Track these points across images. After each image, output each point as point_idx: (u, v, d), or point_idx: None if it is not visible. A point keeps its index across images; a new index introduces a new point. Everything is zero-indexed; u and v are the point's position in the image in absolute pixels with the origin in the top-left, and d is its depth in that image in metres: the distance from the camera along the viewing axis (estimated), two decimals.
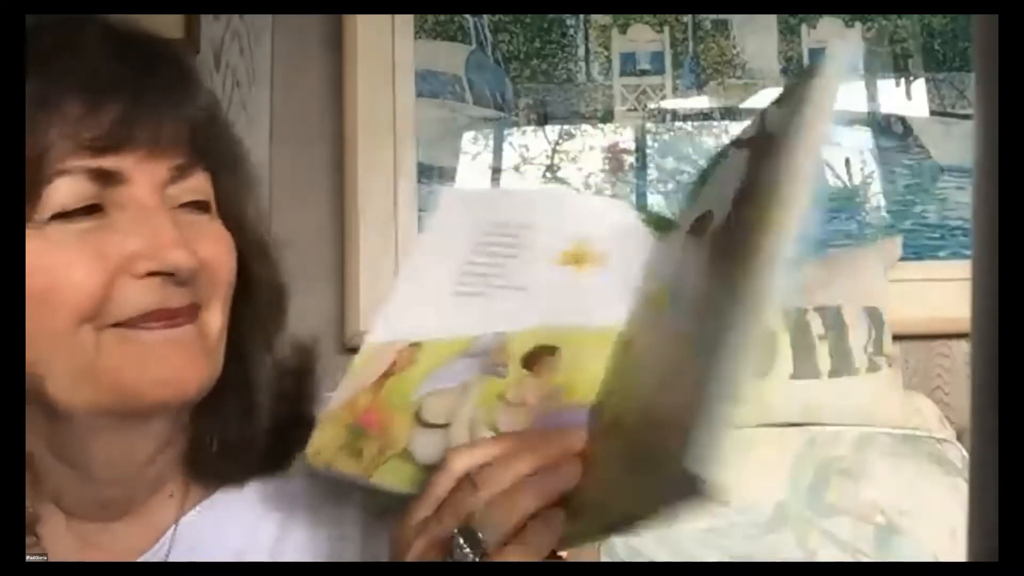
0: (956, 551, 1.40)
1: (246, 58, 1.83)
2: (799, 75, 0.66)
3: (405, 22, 1.82)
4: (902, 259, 1.72)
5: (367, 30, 1.80)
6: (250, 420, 0.77)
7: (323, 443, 0.73)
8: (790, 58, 1.85)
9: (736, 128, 1.84)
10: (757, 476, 1.50)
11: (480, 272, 0.75)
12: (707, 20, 1.85)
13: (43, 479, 0.76)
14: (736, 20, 1.85)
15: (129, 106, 0.71)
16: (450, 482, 0.64)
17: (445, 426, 0.70)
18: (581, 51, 1.85)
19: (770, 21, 1.85)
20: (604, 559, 0.73)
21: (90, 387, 0.70)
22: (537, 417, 0.68)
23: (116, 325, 0.71)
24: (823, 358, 1.58)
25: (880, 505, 1.48)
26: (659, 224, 0.74)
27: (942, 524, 1.45)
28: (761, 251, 0.55)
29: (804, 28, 1.85)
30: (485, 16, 1.84)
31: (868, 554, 1.46)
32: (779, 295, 0.56)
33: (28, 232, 0.69)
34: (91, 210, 0.70)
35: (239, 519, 0.80)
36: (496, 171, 1.84)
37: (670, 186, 1.84)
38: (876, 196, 1.84)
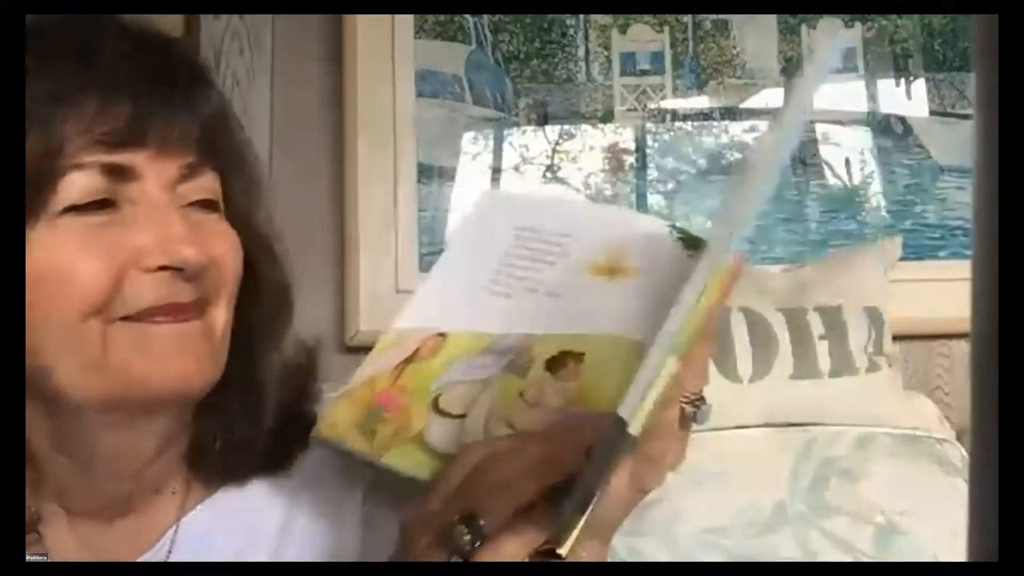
0: (956, 551, 1.40)
1: (246, 58, 1.83)
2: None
3: (405, 22, 1.81)
4: (902, 259, 1.72)
5: (367, 30, 1.80)
6: (254, 419, 0.78)
7: (338, 418, 0.74)
8: (790, 58, 1.85)
9: (736, 128, 1.84)
10: (757, 476, 1.50)
11: (515, 274, 0.76)
12: (707, 20, 1.85)
13: (46, 477, 0.76)
14: (736, 20, 1.85)
15: (143, 104, 0.72)
16: (462, 475, 0.64)
17: (461, 417, 0.71)
18: (581, 51, 1.85)
19: (770, 21, 1.85)
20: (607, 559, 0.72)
21: (97, 380, 0.71)
22: (554, 420, 0.69)
23: (124, 319, 0.71)
24: (823, 358, 1.58)
25: (880, 505, 1.48)
26: (693, 243, 0.75)
27: (942, 524, 1.45)
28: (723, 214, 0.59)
29: (804, 28, 1.85)
30: (485, 16, 1.84)
31: (868, 554, 1.45)
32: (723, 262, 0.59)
33: (40, 224, 0.70)
34: (103, 205, 0.71)
35: (241, 518, 0.80)
36: (496, 171, 1.84)
37: (670, 186, 1.84)
38: (876, 196, 1.84)
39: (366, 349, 0.78)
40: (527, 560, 0.63)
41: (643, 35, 1.85)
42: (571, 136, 1.84)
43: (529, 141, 1.85)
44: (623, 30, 1.85)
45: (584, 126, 1.84)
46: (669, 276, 0.73)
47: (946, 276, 1.70)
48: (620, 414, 0.55)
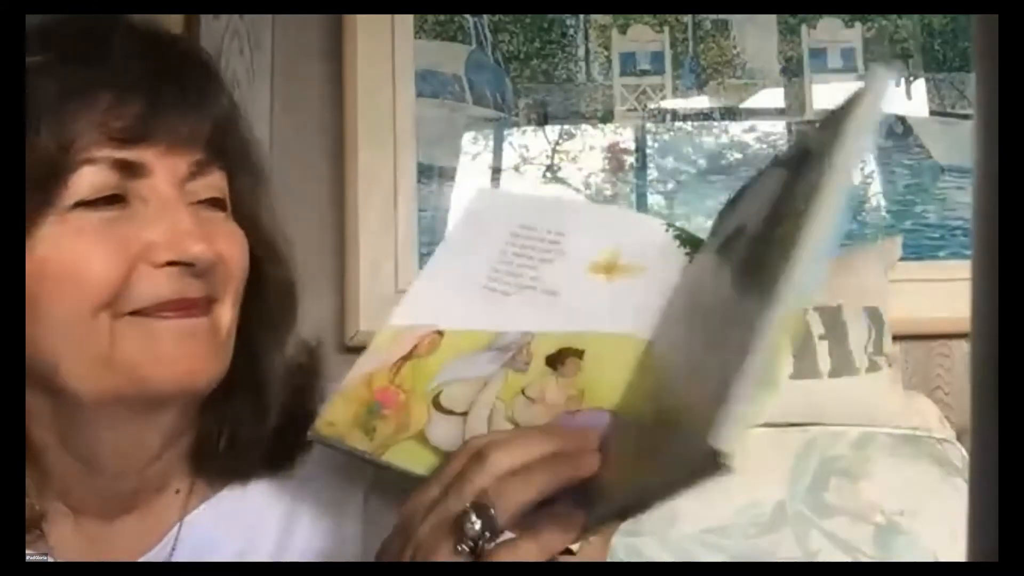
0: (956, 551, 1.40)
1: (246, 58, 1.83)
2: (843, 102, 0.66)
3: (405, 22, 1.81)
4: (902, 259, 1.72)
5: (367, 30, 1.80)
6: (257, 418, 0.78)
7: (336, 416, 0.74)
8: (790, 58, 1.85)
9: (736, 128, 1.84)
10: (757, 476, 1.50)
11: (511, 271, 0.77)
12: (707, 20, 1.85)
13: (50, 474, 0.76)
14: (736, 20, 1.85)
15: (154, 101, 0.73)
16: (464, 460, 0.64)
17: (463, 415, 0.71)
18: (581, 51, 1.85)
19: (770, 21, 1.85)
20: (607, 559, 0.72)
21: (103, 374, 0.71)
22: (556, 416, 0.69)
23: (132, 314, 0.71)
24: (823, 358, 1.58)
25: (880, 505, 1.48)
26: (690, 242, 0.76)
27: (942, 524, 1.45)
28: (789, 261, 0.55)
29: (804, 28, 1.85)
30: (485, 16, 1.84)
31: (868, 554, 1.45)
32: (805, 297, 0.56)
33: (51, 219, 0.71)
34: (112, 200, 0.72)
35: (243, 517, 0.80)
36: (496, 171, 1.84)
37: (670, 186, 1.84)
38: (876, 196, 1.84)
39: (366, 349, 0.78)
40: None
41: (643, 35, 1.85)
42: (571, 136, 1.84)
43: (529, 141, 1.85)
44: (623, 30, 1.85)
45: (584, 126, 1.84)
46: (667, 275, 0.74)
47: (946, 276, 1.70)
48: (715, 446, 0.52)
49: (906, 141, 1.84)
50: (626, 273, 0.75)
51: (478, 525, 0.61)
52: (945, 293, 1.62)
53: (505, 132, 1.84)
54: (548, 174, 1.84)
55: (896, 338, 1.65)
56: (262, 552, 0.79)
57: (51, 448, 0.75)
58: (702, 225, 1.82)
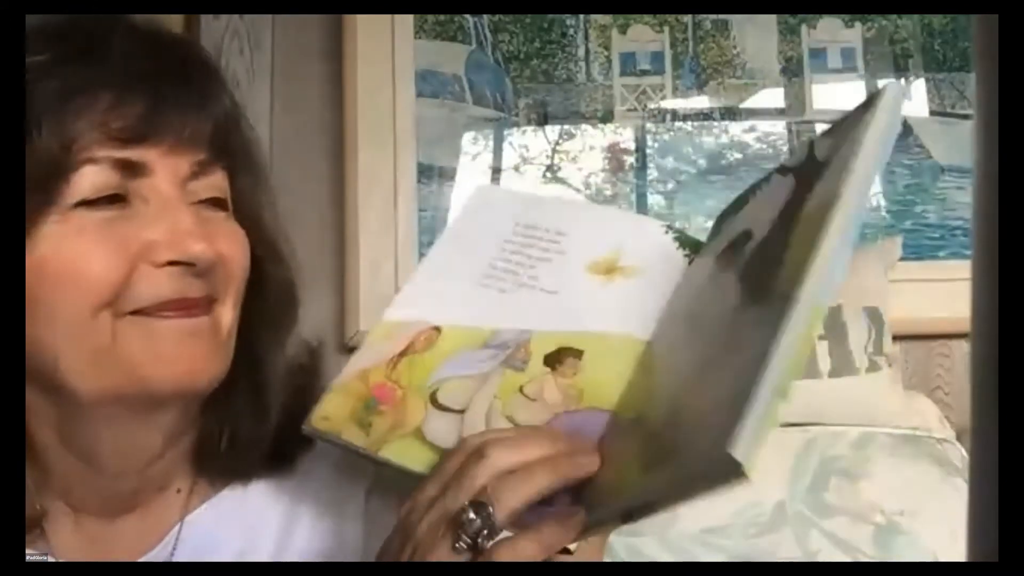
0: (956, 551, 1.40)
1: (246, 58, 1.83)
2: (853, 110, 0.65)
3: (405, 22, 1.82)
4: (902, 259, 1.72)
5: (367, 30, 1.80)
6: (259, 418, 0.78)
7: (331, 410, 0.73)
8: (790, 58, 1.85)
9: (736, 128, 1.85)
10: (757, 476, 1.49)
11: (510, 270, 0.76)
12: (707, 20, 1.85)
13: (52, 473, 0.76)
14: (736, 20, 1.85)
15: (156, 101, 0.73)
16: (463, 457, 0.64)
17: (461, 412, 0.70)
18: (581, 51, 1.85)
19: (770, 21, 1.85)
20: (604, 559, 0.72)
21: (103, 373, 0.71)
22: (554, 415, 0.69)
23: (134, 313, 0.71)
24: (823, 358, 1.58)
25: (880, 505, 1.48)
26: (690, 245, 0.76)
27: (942, 524, 1.45)
28: (807, 269, 0.55)
29: (804, 28, 1.85)
30: (485, 16, 1.84)
31: (868, 554, 1.45)
32: (823, 303, 0.55)
33: (52, 218, 0.71)
34: (114, 199, 0.72)
35: (244, 516, 0.80)
36: (496, 171, 1.84)
37: (670, 186, 1.84)
38: (876, 196, 1.84)
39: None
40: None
41: (643, 35, 1.85)
42: (571, 136, 1.84)
43: (529, 141, 1.85)
44: (623, 30, 1.85)
45: (584, 126, 1.84)
46: (666, 277, 0.74)
47: (946, 276, 1.70)
48: (733, 454, 0.51)
49: (906, 141, 1.84)
50: (625, 274, 0.75)
51: (477, 523, 0.61)
52: (945, 293, 1.63)
53: (505, 132, 1.84)
54: (548, 174, 1.84)
55: (896, 338, 1.65)
56: (263, 552, 0.79)
57: (52, 447, 0.75)
58: (702, 225, 1.82)
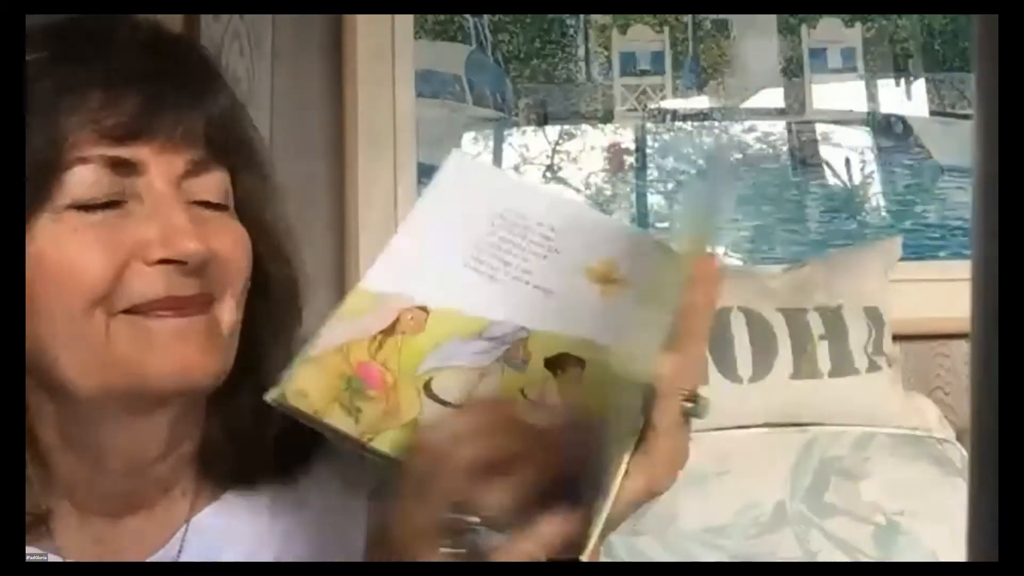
0: (956, 551, 1.40)
1: (246, 58, 1.83)
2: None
3: (405, 22, 1.81)
4: (902, 259, 1.72)
5: (367, 30, 1.80)
6: (262, 419, 0.78)
7: (308, 386, 0.68)
8: (790, 58, 1.85)
9: (736, 128, 1.84)
10: (757, 476, 1.50)
11: (500, 257, 0.73)
12: (707, 20, 1.85)
13: (56, 473, 0.76)
14: (736, 20, 1.85)
15: (149, 98, 0.72)
16: (430, 461, 0.63)
17: (458, 407, 0.68)
18: (581, 51, 1.85)
19: (770, 21, 1.85)
20: (604, 559, 0.72)
21: (99, 371, 0.71)
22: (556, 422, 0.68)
23: (128, 312, 0.71)
24: (823, 358, 1.58)
25: (880, 505, 1.48)
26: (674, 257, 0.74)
27: (942, 524, 1.45)
28: None
29: (804, 28, 1.85)
30: (485, 16, 1.84)
31: (868, 554, 1.46)
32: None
33: (44, 217, 0.71)
34: (108, 203, 0.72)
35: (249, 518, 0.80)
36: None
37: (670, 186, 1.84)
38: (876, 196, 1.84)
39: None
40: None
41: (643, 35, 1.86)
42: (571, 136, 1.84)
43: (529, 141, 1.85)
44: (623, 30, 1.85)
45: (584, 126, 1.84)
46: (656, 290, 0.73)
47: (946, 276, 1.70)
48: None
49: (906, 141, 1.84)
50: (621, 285, 0.73)
51: (468, 532, 0.61)
52: (945, 293, 1.62)
53: (505, 132, 1.85)
54: (548, 174, 1.84)
55: (896, 338, 1.65)
56: (267, 554, 0.79)
57: (55, 446, 0.75)
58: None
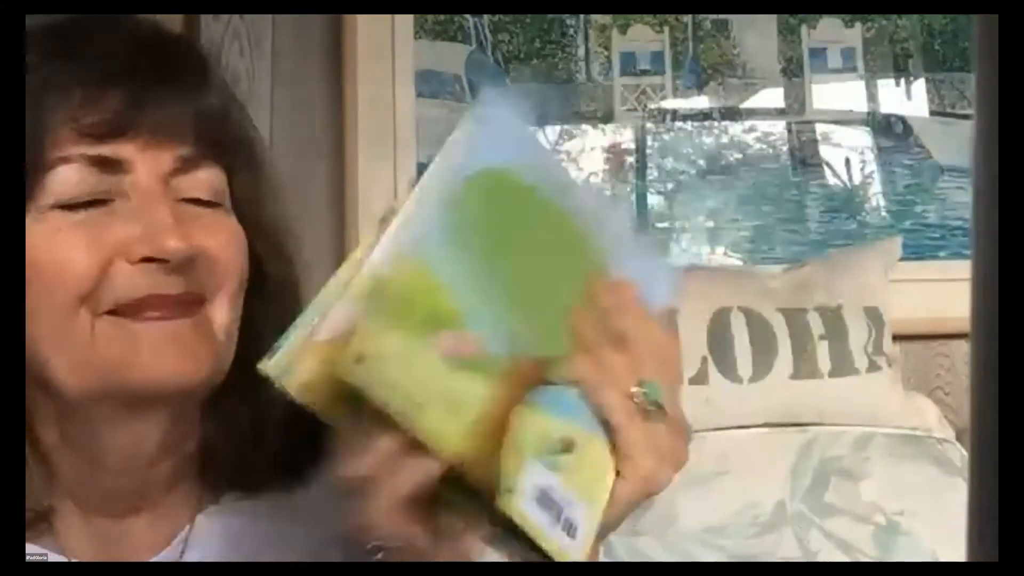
0: (956, 551, 1.40)
1: (246, 58, 1.83)
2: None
3: (405, 22, 1.81)
4: (902, 259, 1.72)
5: (367, 30, 1.80)
6: (261, 421, 0.77)
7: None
8: (790, 58, 1.85)
9: (736, 128, 1.84)
10: (757, 476, 1.50)
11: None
12: (707, 20, 1.85)
13: (57, 471, 0.76)
14: (736, 20, 1.85)
15: (132, 95, 0.72)
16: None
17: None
18: (581, 51, 1.85)
19: (770, 21, 1.85)
20: (604, 559, 0.72)
21: (86, 373, 0.71)
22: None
23: (113, 313, 0.71)
24: (823, 358, 1.58)
25: (880, 505, 1.48)
26: None
27: (942, 524, 1.45)
28: None
29: (804, 28, 1.85)
30: (485, 16, 1.84)
31: (868, 554, 1.46)
32: None
33: (29, 217, 0.70)
34: (93, 203, 0.71)
35: (253, 522, 0.80)
36: None
37: (670, 186, 1.84)
38: (876, 196, 1.84)
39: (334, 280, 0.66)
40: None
41: (643, 35, 1.85)
42: (571, 136, 1.84)
43: None
44: (623, 30, 1.85)
45: (584, 126, 1.84)
46: None
47: (946, 276, 1.70)
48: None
49: (906, 141, 1.84)
50: None
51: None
52: (945, 293, 1.62)
53: None
54: None
55: (896, 338, 1.65)
56: (269, 555, 0.79)
57: (55, 445, 0.75)
58: (702, 225, 1.82)
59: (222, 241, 0.75)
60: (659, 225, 1.83)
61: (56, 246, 0.70)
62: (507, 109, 0.68)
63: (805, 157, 1.84)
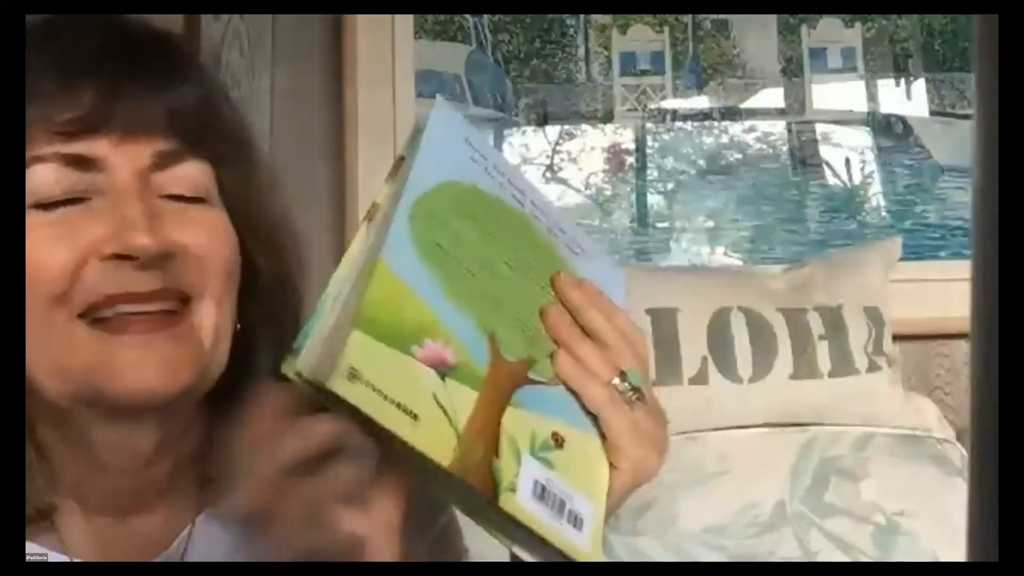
0: (956, 551, 1.40)
1: (246, 58, 1.83)
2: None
3: (405, 22, 1.81)
4: (902, 259, 1.72)
5: (367, 30, 1.79)
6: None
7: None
8: (790, 58, 1.85)
9: (736, 128, 1.84)
10: (757, 476, 1.50)
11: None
12: (707, 20, 1.85)
13: (58, 470, 0.76)
14: (736, 20, 1.85)
15: (102, 90, 0.71)
16: None
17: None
18: (581, 51, 1.85)
19: (770, 21, 1.85)
20: (603, 559, 0.72)
21: (64, 379, 0.71)
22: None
23: (95, 323, 0.70)
24: (823, 358, 1.58)
25: (880, 505, 1.48)
26: None
27: (942, 524, 1.45)
28: None
29: (804, 28, 1.85)
30: (485, 16, 1.84)
31: (868, 554, 1.45)
32: None
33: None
34: (70, 202, 0.71)
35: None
36: None
37: (670, 186, 1.84)
38: (876, 196, 1.84)
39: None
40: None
41: (643, 35, 1.85)
42: (571, 136, 1.84)
43: (529, 141, 1.85)
44: (623, 30, 1.85)
45: (584, 126, 1.84)
46: None
47: (946, 276, 1.70)
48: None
49: (906, 141, 1.84)
50: None
51: None
52: (945, 293, 1.62)
53: (505, 132, 1.84)
54: (548, 174, 1.84)
55: (896, 338, 1.65)
56: (270, 555, 0.79)
57: (55, 444, 0.75)
58: (702, 225, 1.82)
59: (206, 237, 0.74)
60: (659, 225, 1.83)
61: (31, 246, 0.70)
62: (459, 121, 0.72)
63: (805, 157, 1.84)
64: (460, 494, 0.63)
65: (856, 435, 1.54)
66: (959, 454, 1.54)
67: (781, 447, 1.52)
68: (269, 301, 0.78)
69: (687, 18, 1.85)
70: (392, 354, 0.61)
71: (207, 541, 0.78)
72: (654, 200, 1.84)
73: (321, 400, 0.60)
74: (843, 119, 1.85)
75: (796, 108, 1.85)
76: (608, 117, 1.84)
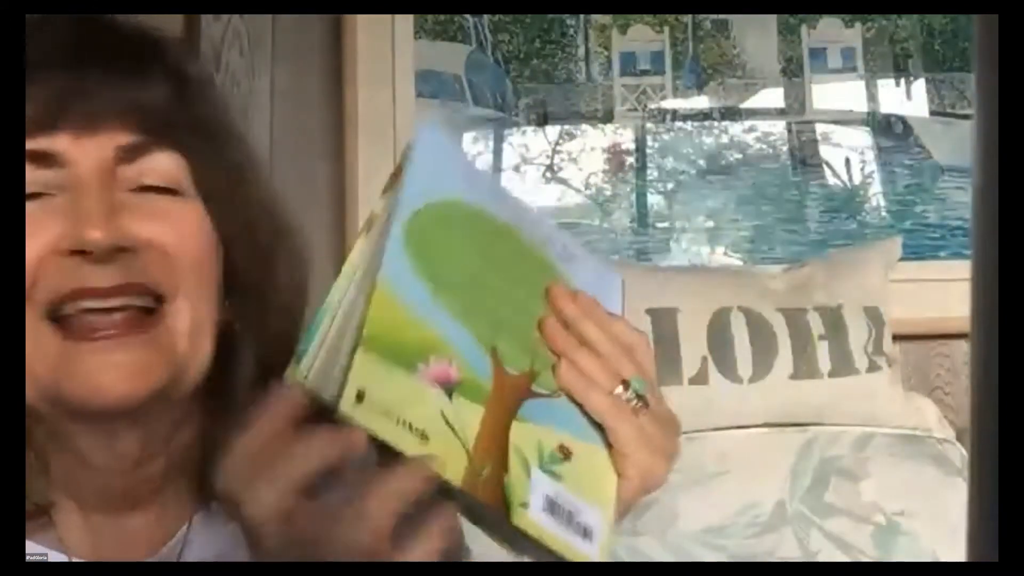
0: (956, 551, 1.40)
1: (246, 58, 1.83)
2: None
3: (405, 22, 1.81)
4: (902, 259, 1.72)
5: (367, 30, 1.79)
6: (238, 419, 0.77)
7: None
8: (790, 58, 1.85)
9: (736, 128, 1.84)
10: (757, 476, 1.50)
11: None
12: (707, 20, 1.85)
13: (53, 468, 0.76)
14: (736, 20, 1.85)
15: (57, 86, 0.70)
16: None
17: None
18: (581, 51, 1.85)
19: (770, 21, 1.85)
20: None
21: (31, 382, 0.70)
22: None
23: (51, 318, 0.70)
24: (823, 358, 1.58)
25: (880, 505, 1.48)
26: None
27: (942, 524, 1.45)
28: None
29: (804, 28, 1.85)
30: (485, 16, 1.84)
31: (868, 554, 1.45)
32: None
33: None
34: (32, 196, 0.70)
35: None
36: (496, 171, 1.84)
37: (670, 186, 1.84)
38: (876, 196, 1.84)
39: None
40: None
41: (643, 35, 1.85)
42: (571, 136, 1.84)
43: (529, 141, 1.85)
44: (623, 30, 1.85)
45: (584, 126, 1.84)
46: None
47: (946, 276, 1.70)
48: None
49: (906, 141, 1.84)
50: None
51: None
52: (945, 293, 1.62)
53: (505, 132, 1.84)
54: (548, 174, 1.84)
55: (896, 338, 1.65)
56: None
57: (46, 443, 0.75)
58: (702, 225, 1.82)
59: (174, 230, 0.73)
60: (659, 225, 1.83)
61: None
62: (443, 141, 0.72)
63: (805, 157, 1.84)
64: (470, 509, 0.63)
65: (856, 435, 1.54)
66: (959, 454, 1.54)
67: (781, 447, 1.52)
68: (246, 299, 0.77)
69: (687, 18, 1.85)
70: (399, 374, 0.61)
71: (204, 539, 0.78)
72: (654, 200, 1.84)
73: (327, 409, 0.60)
74: (843, 119, 1.85)
75: (796, 108, 1.85)
76: (608, 117, 1.84)
